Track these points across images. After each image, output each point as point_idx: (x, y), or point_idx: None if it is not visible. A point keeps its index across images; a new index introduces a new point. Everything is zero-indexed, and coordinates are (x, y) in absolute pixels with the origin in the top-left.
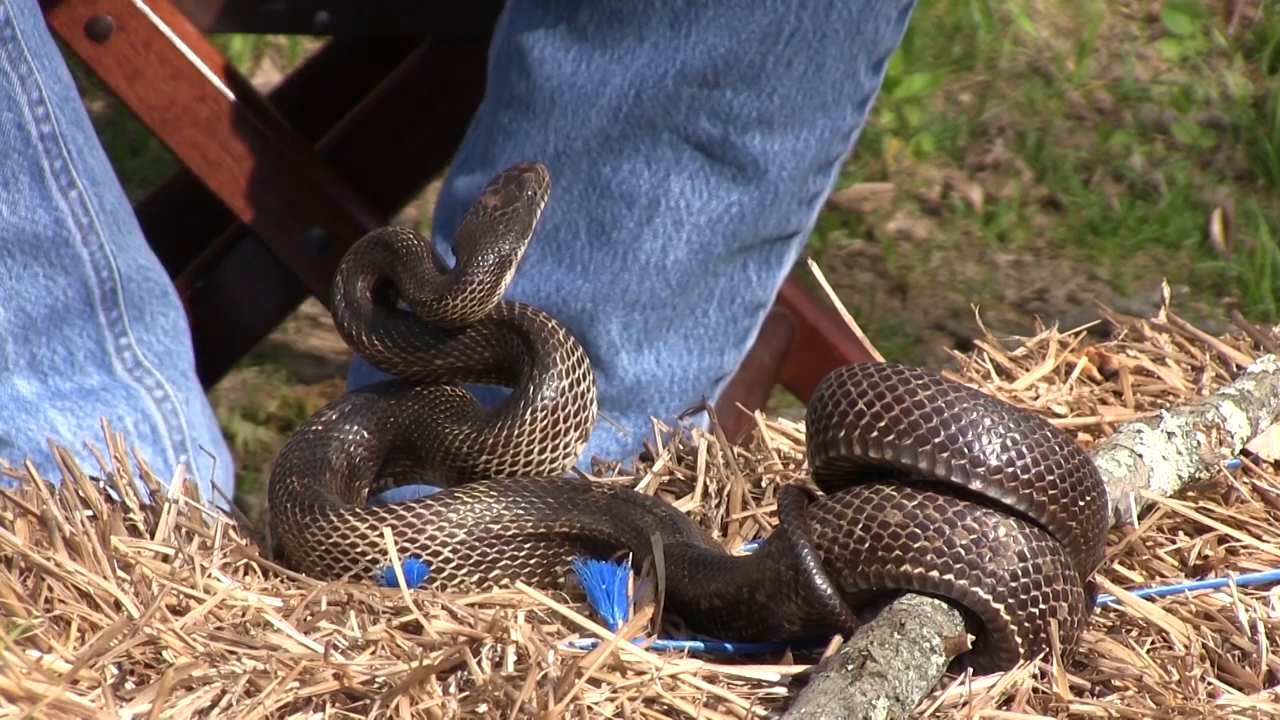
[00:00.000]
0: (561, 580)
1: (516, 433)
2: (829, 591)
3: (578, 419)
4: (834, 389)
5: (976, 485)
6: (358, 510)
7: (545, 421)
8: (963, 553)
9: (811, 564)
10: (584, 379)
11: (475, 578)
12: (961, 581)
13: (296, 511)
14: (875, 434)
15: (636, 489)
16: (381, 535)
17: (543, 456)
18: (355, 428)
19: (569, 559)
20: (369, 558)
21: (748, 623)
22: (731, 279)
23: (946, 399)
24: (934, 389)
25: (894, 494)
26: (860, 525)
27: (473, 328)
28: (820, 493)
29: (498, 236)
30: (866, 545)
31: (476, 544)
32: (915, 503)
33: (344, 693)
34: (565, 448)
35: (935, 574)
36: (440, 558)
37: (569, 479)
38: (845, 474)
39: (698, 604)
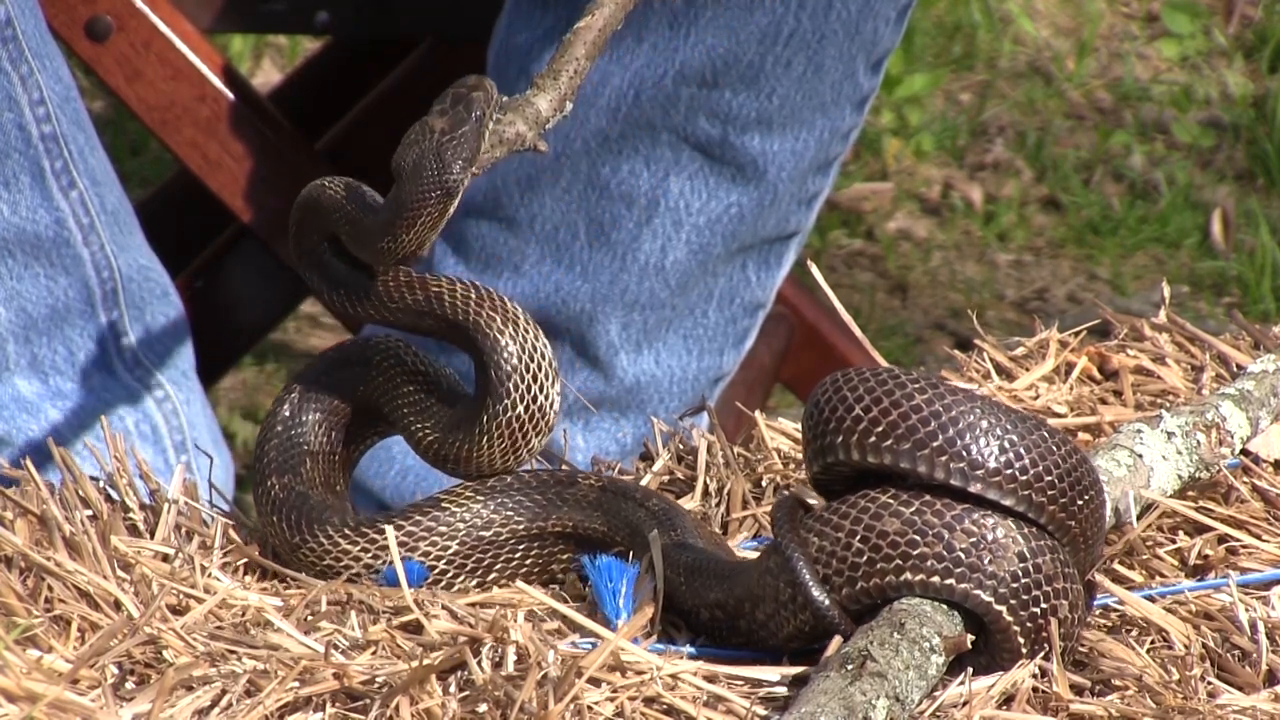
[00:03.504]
0: (561, 579)
1: (476, 452)
2: (828, 603)
3: (537, 427)
4: (830, 394)
5: (976, 488)
6: (346, 531)
7: (504, 441)
8: (963, 556)
9: (808, 578)
10: (543, 389)
11: (473, 584)
12: (963, 585)
13: (285, 529)
14: (873, 439)
15: None
16: (375, 556)
17: (505, 461)
18: (324, 400)
19: (564, 558)
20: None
21: (747, 639)
22: (731, 279)
23: (943, 402)
24: (930, 392)
25: (890, 501)
26: (858, 537)
27: (428, 322)
28: (818, 497)
29: (444, 165)
30: (865, 558)
31: (470, 552)
32: (913, 509)
33: (344, 693)
34: (529, 448)
35: (936, 579)
36: (436, 570)
37: (555, 471)
38: (843, 479)
39: (697, 614)
